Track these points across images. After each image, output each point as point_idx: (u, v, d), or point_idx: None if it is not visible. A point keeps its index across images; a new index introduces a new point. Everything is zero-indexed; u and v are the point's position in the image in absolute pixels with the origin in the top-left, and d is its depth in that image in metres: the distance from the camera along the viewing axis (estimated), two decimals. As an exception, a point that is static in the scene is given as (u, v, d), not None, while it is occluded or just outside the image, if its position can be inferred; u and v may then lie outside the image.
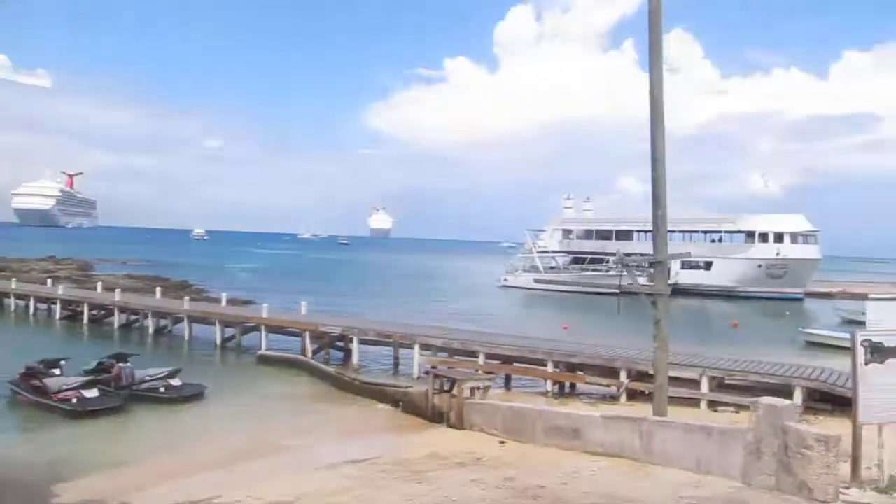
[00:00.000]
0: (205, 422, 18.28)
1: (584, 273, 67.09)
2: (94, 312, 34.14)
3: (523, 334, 26.08)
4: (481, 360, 22.63)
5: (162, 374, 20.11)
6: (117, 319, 32.54)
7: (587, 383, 21.36)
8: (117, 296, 32.51)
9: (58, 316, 34.81)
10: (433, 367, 20.15)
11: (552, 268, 72.64)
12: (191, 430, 17.63)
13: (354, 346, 25.32)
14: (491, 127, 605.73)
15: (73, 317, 35.03)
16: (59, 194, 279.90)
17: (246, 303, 38.58)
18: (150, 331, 31.26)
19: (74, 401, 18.38)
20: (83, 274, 58.53)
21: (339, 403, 20.24)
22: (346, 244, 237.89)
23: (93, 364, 20.87)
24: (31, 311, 36.36)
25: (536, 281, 68.31)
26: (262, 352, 26.47)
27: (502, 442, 15.29)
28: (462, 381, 16.89)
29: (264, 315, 27.53)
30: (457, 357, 23.77)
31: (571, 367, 21.70)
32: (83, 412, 18.01)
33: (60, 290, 34.79)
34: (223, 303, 31.92)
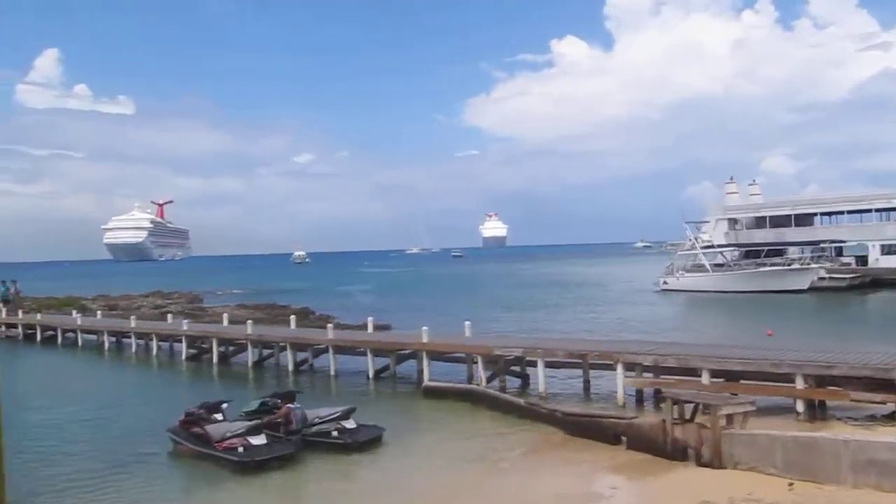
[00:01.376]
0: (393, 472, 17.04)
1: (760, 269, 63.30)
2: (222, 349, 34.03)
3: (719, 343, 23.97)
4: (705, 378, 20.54)
5: (334, 415, 19.07)
6: (251, 355, 32.19)
7: (853, 401, 18.92)
8: (249, 328, 32.18)
9: (183, 355, 34.94)
10: (658, 392, 18.36)
11: (719, 265, 69.12)
12: (379, 483, 16.43)
13: (539, 369, 23.70)
14: (609, 113, 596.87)
15: (198, 355, 35.15)
16: (151, 226, 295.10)
17: (382, 327, 37.88)
18: (290, 366, 30.70)
19: (241, 449, 17.57)
20: (195, 307, 59.93)
21: (542, 441, 18.66)
22: (461, 256, 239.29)
23: (255, 405, 20.17)
24: (154, 350, 36.75)
25: (704, 282, 65.21)
26: (428, 383, 25.26)
27: (790, 484, 13.30)
28: (717, 407, 14.98)
29: (424, 340, 26.35)
30: (665, 376, 21.97)
31: (821, 382, 19.35)
32: (251, 462, 17.18)
33: (185, 326, 34.91)
34: (370, 328, 31.06)
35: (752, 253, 68.77)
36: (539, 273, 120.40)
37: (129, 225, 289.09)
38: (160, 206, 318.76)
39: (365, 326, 36.53)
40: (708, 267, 67.54)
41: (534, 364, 24.80)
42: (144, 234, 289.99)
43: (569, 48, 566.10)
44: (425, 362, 26.40)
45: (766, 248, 67.34)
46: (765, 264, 64.42)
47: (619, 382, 22.02)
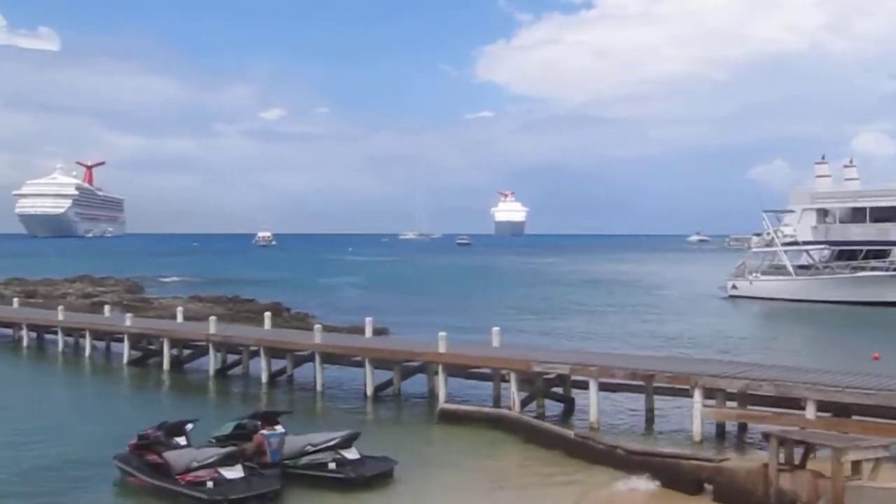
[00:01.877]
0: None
1: (858, 274, 62.76)
2: (175, 351, 33.66)
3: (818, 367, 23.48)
4: (810, 412, 20.03)
5: (332, 442, 18.58)
6: (213, 361, 31.74)
7: None
8: (212, 327, 31.69)
9: (125, 358, 34.49)
10: (743, 426, 17.86)
11: (804, 267, 68.61)
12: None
13: (591, 392, 23.18)
14: (658, 71, 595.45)
15: (144, 358, 34.76)
16: (76, 193, 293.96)
17: (379, 332, 37.36)
18: (263, 377, 30.24)
19: (211, 484, 17.08)
20: (135, 298, 59.47)
21: (599, 487, 18.15)
22: (467, 244, 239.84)
23: (229, 428, 19.69)
24: (87, 351, 36.31)
25: (785, 287, 64.78)
26: (445, 405, 24.78)
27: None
28: (843, 451, 14.48)
29: (441, 349, 25.85)
30: (753, 407, 21.54)
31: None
32: (223, 501, 16.70)
33: (128, 322, 34.40)
34: (368, 332, 30.58)
35: (846, 253, 68.23)
36: (570, 270, 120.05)
37: (49, 191, 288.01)
38: (89, 168, 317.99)
39: (359, 329, 36.16)
40: (790, 269, 66.96)
41: (583, 385, 24.30)
42: (68, 203, 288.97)
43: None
44: (441, 378, 25.92)
45: (865, 247, 66.78)
46: (863, 268, 63.81)
47: (696, 412, 21.51)
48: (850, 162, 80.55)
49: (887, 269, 62.70)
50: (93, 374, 34.98)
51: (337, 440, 18.69)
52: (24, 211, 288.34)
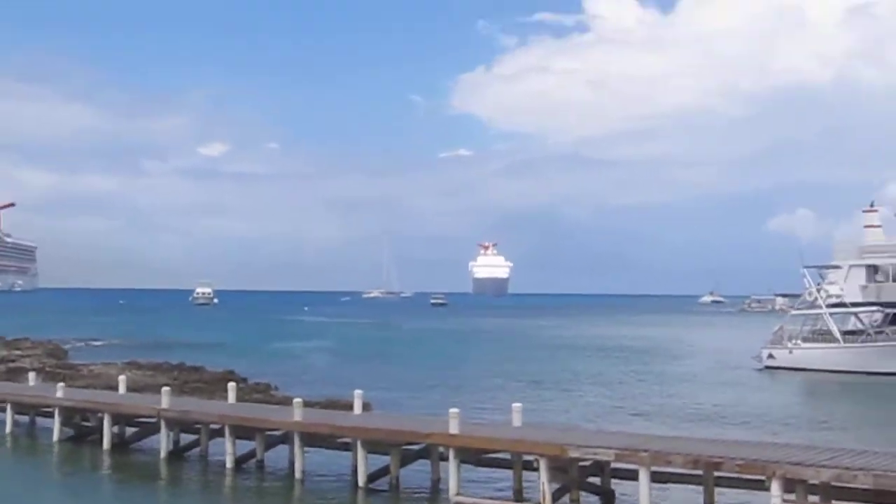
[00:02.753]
0: None
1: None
2: (117, 429, 32.49)
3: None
4: (915, 511, 19.15)
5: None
6: (165, 441, 30.53)
7: None
8: (164, 401, 30.50)
9: (55, 436, 33.28)
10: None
11: (853, 332, 68.13)
12: None
13: (642, 483, 22.14)
14: (666, 105, 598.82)
15: (79, 436, 33.63)
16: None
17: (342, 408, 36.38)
18: (228, 462, 29.04)
19: None
20: (60, 364, 58.13)
21: None
22: (443, 304, 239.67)
23: None
24: (8, 427, 35.05)
25: (832, 357, 64.22)
26: (460, 498, 23.67)
27: None
28: None
29: (452, 430, 24.77)
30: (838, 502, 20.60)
31: None
32: None
33: (59, 393, 33.15)
34: (357, 408, 29.52)
35: (901, 316, 67.88)
36: (569, 334, 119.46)
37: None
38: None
39: (336, 405, 35.22)
40: (837, 335, 66.46)
41: (629, 475, 23.34)
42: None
43: (610, 7, 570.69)
44: (452, 465, 24.78)
45: (927, 311, 66.55)
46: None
47: (775, 510, 20.53)
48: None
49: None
50: (15, 454, 33.68)
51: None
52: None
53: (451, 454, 24.92)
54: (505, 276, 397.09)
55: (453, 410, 25.43)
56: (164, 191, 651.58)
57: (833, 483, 20.60)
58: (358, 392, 29.94)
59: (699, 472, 22.83)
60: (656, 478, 23.19)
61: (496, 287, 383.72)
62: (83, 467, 31.42)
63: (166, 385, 36.71)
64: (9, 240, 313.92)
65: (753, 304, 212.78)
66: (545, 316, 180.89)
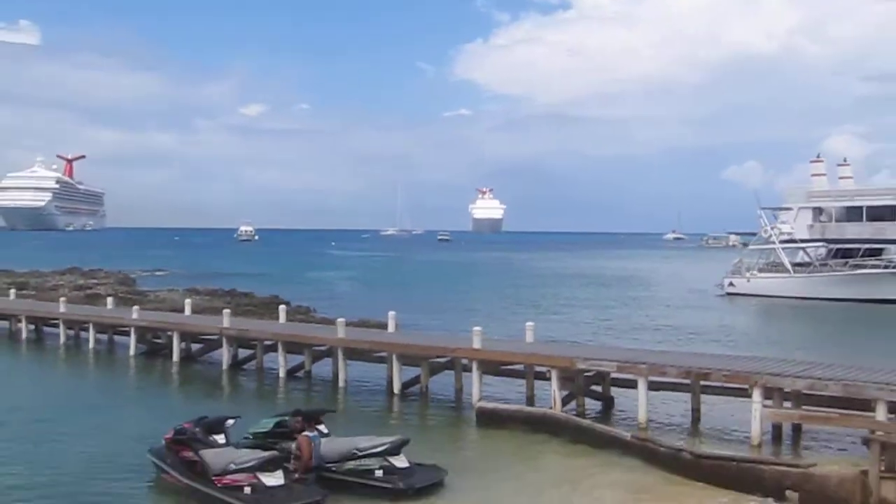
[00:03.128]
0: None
1: (860, 272, 61.81)
2: (184, 345, 32.06)
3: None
4: (881, 413, 18.64)
5: (380, 448, 16.93)
6: (226, 355, 30.12)
7: None
8: (226, 320, 30.08)
9: (131, 350, 32.89)
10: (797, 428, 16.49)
11: (802, 264, 67.59)
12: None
13: (640, 391, 21.72)
14: (636, 71, 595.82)
15: (151, 351, 33.24)
16: (57, 187, 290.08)
17: (381, 327, 35.96)
18: (281, 372, 28.68)
19: (248, 490, 15.43)
20: (130, 290, 57.69)
21: (671, 492, 16.70)
22: (447, 240, 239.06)
23: (268, 424, 18.02)
24: (91, 344, 34.59)
25: (784, 285, 63.83)
26: (483, 404, 23.18)
27: None
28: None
29: (476, 346, 24.31)
30: (807, 407, 20.20)
31: None
32: (264, 512, 15.09)
33: (135, 314, 32.76)
34: (391, 327, 29.05)
35: (842, 251, 67.22)
36: (557, 266, 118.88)
37: (30, 184, 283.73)
38: (69, 162, 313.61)
39: (367, 324, 34.89)
40: (788, 267, 65.94)
41: (627, 384, 22.97)
42: (48, 196, 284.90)
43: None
44: (475, 375, 24.35)
45: (862, 245, 65.84)
46: (861, 266, 62.83)
47: (756, 413, 20.04)
48: (845, 161, 79.82)
49: (885, 267, 61.84)
50: (97, 367, 33.34)
51: (386, 446, 17.02)
52: (4, 204, 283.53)
53: (475, 366, 24.52)
54: (499, 216, 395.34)
55: (476, 328, 24.96)
56: (212, 145, 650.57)
57: (805, 391, 20.21)
58: (392, 313, 29.50)
59: (688, 381, 22.46)
60: (650, 387, 22.80)
61: (492, 226, 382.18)
62: (155, 377, 31.05)
63: (223, 308, 36.45)
64: (81, 187, 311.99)
65: (710, 241, 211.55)
66: (535, 251, 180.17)
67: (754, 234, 76.21)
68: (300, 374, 28.96)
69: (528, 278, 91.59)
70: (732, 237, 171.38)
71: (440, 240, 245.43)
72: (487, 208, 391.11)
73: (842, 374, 20.15)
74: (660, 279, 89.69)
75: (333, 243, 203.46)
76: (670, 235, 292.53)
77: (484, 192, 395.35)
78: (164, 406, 25.47)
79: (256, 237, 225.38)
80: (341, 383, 27.30)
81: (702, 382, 22.31)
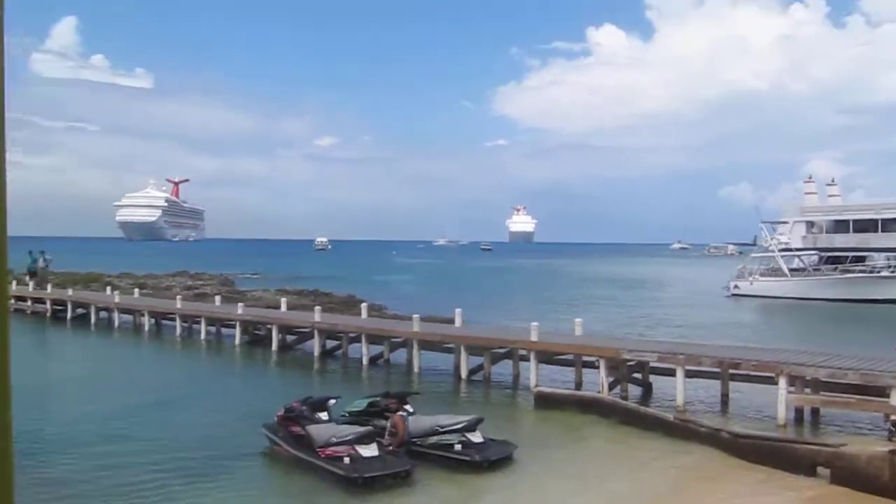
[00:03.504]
0: (541, 501, 14.44)
1: (847, 276, 60.38)
2: (281, 336, 31.73)
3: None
4: (895, 399, 17.80)
5: (458, 426, 16.43)
6: (317, 345, 29.76)
7: None
8: (317, 315, 29.74)
9: (237, 340, 32.66)
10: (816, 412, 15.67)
11: (797, 270, 66.10)
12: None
13: (678, 379, 21.00)
14: (644, 107, 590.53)
15: (253, 342, 32.94)
16: (165, 204, 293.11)
17: (449, 321, 35.35)
18: (364, 360, 28.24)
19: (347, 460, 15.02)
20: (231, 290, 57.52)
21: (713, 467, 15.97)
22: (489, 250, 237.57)
23: (361, 404, 17.63)
24: (202, 335, 34.42)
25: (782, 287, 62.42)
26: (541, 388, 22.55)
27: None
28: None
29: (533, 338, 23.71)
30: (826, 394, 19.37)
31: None
32: (359, 479, 14.63)
33: (240, 310, 32.52)
34: (457, 322, 28.49)
35: (831, 259, 65.71)
36: (584, 270, 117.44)
37: (144, 203, 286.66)
38: (176, 184, 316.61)
39: (433, 319, 34.36)
40: (786, 271, 64.52)
41: (666, 372, 22.27)
42: (159, 212, 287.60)
43: (606, 37, 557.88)
44: (533, 364, 23.74)
45: (849, 253, 64.34)
46: (850, 271, 61.39)
47: (782, 398, 19.25)
48: (833, 181, 77.92)
49: (870, 272, 60.49)
50: (208, 354, 33.11)
51: (464, 423, 16.55)
52: (123, 219, 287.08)
53: (532, 356, 23.92)
54: (531, 229, 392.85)
55: (534, 324, 24.42)
56: (292, 171, 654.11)
57: (824, 379, 19.41)
58: (458, 310, 28.96)
59: (718, 370, 21.69)
60: (692, 374, 22.12)
61: (525, 238, 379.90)
62: (257, 363, 30.80)
63: (309, 305, 36.16)
64: (185, 205, 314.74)
65: (712, 250, 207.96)
66: (562, 258, 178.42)
67: (749, 244, 75.15)
68: (380, 361, 28.54)
69: (558, 280, 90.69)
70: (731, 247, 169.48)
71: (483, 249, 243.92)
72: (521, 223, 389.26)
73: (857, 364, 19.33)
74: (671, 282, 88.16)
75: (394, 252, 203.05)
76: (676, 245, 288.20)
77: (518, 210, 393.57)
78: (267, 387, 25.30)
79: (330, 246, 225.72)
80: (415, 369, 26.87)
81: (730, 371, 21.58)
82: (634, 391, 23.43)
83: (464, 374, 25.49)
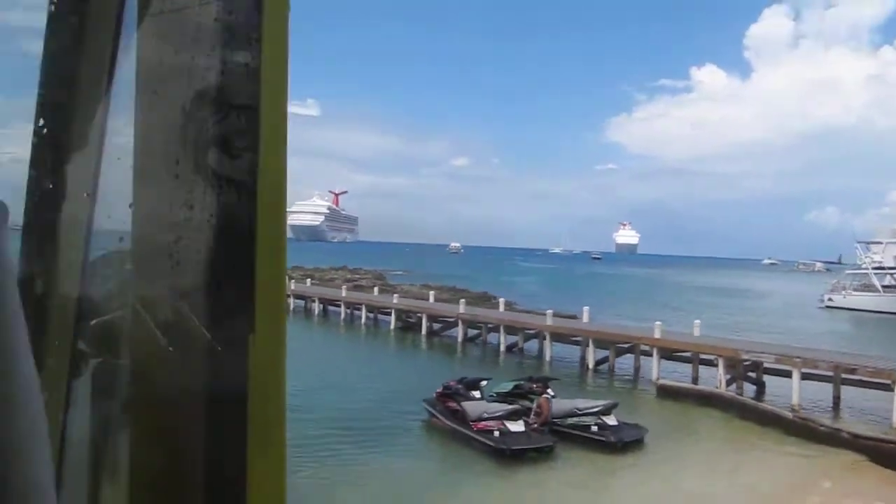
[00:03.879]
0: (677, 484, 13.49)
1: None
2: (429, 324, 31.57)
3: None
4: None
5: (595, 409, 15.71)
6: (461, 333, 29.43)
7: None
8: (462, 307, 29.45)
9: (392, 325, 32.76)
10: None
11: (889, 286, 61.31)
12: (667, 496, 12.95)
13: (794, 380, 19.47)
14: (741, 137, 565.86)
15: (405, 328, 32.89)
16: (327, 211, 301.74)
17: (571, 317, 34.29)
18: (501, 347, 27.70)
19: (497, 434, 14.55)
20: (382, 284, 58.14)
21: (849, 468, 14.54)
22: (599, 259, 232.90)
23: (508, 386, 17.16)
24: (363, 319, 34.71)
25: (874, 301, 58.03)
26: (663, 381, 21.43)
27: None
28: None
29: (656, 335, 22.58)
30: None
31: None
32: (507, 451, 14.09)
33: (395, 300, 32.64)
34: (584, 318, 27.59)
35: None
36: (687, 280, 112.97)
37: (310, 209, 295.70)
38: (336, 195, 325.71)
39: (559, 315, 33.46)
40: (879, 287, 59.94)
41: (776, 372, 20.72)
42: (322, 218, 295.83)
43: (708, 76, 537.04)
44: (655, 359, 22.59)
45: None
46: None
47: (897, 404, 17.51)
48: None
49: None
50: (366, 336, 33.35)
51: (600, 407, 15.84)
52: (293, 222, 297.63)
53: (655, 352, 22.77)
54: (636, 242, 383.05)
55: (657, 322, 23.33)
56: (432, 186, 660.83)
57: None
58: (586, 308, 28.16)
59: (831, 373, 19.96)
60: (806, 377, 20.48)
61: (630, 249, 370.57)
62: (408, 345, 30.77)
63: (448, 299, 35.93)
64: (343, 212, 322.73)
65: (801, 266, 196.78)
66: (664, 268, 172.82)
67: (835, 262, 70.48)
68: (515, 350, 27.93)
69: (664, 288, 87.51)
70: (818, 264, 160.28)
71: (593, 258, 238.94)
72: (627, 236, 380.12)
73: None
74: (767, 293, 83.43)
75: (517, 257, 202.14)
76: (767, 261, 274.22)
77: (624, 224, 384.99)
78: (419, 366, 25.25)
79: (462, 251, 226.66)
80: (547, 358, 26.11)
81: (843, 375, 19.82)
82: (748, 389, 21.87)
83: (591, 364, 24.58)
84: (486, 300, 47.82)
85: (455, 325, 30.04)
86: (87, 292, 1.11)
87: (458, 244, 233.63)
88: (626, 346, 24.63)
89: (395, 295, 34.13)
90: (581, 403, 16.00)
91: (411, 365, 25.81)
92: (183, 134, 0.84)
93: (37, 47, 1.14)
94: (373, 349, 30.20)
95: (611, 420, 15.62)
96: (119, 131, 1.05)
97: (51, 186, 1.14)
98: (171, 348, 0.81)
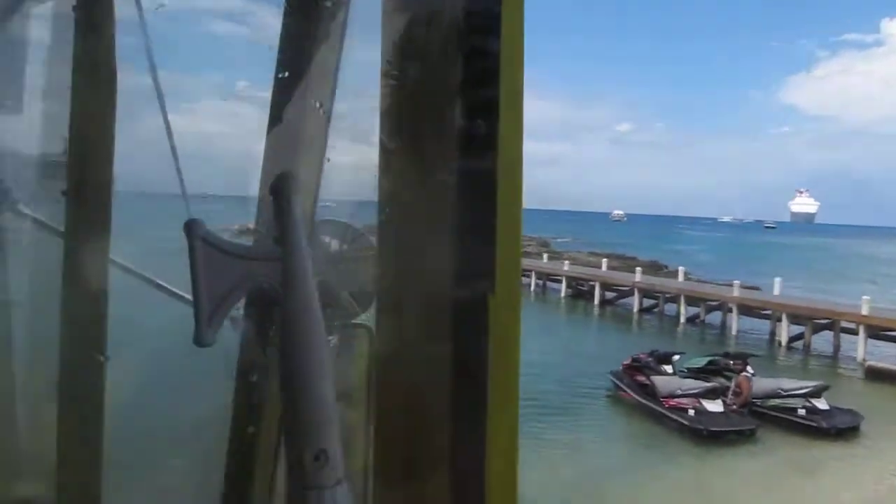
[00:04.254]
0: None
1: None
2: (601, 292, 30.48)
3: None
4: None
5: (803, 391, 14.20)
6: (637, 302, 28.14)
7: None
8: (638, 276, 28.14)
9: (562, 293, 31.93)
10: None
11: None
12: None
13: None
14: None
15: (576, 295, 31.95)
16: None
17: (751, 288, 31.79)
18: (681, 318, 26.17)
19: (692, 413, 13.45)
20: (547, 250, 57.28)
21: None
22: (773, 228, 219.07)
23: (701, 362, 15.99)
24: (532, 287, 34.13)
25: None
26: (873, 363, 19.27)
27: None
28: None
29: (863, 311, 20.30)
30: None
31: None
32: (704, 432, 12.95)
33: (566, 267, 31.80)
34: (776, 291, 25.48)
35: None
36: (873, 252, 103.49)
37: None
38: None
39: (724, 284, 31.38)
40: None
41: None
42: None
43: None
44: (861, 338, 20.39)
45: None
46: None
47: None
48: None
49: None
50: (537, 302, 32.65)
51: (809, 389, 14.30)
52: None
53: (861, 329, 20.53)
54: (813, 211, 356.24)
55: (865, 297, 20.99)
56: (593, 152, 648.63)
57: None
58: (777, 279, 26.01)
59: None
60: None
61: (807, 218, 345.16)
62: (580, 313, 30.00)
63: (616, 267, 34.54)
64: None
65: None
66: (846, 238, 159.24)
67: None
68: (696, 322, 26.30)
69: (849, 260, 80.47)
70: None
71: (766, 227, 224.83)
72: (804, 204, 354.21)
73: None
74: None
75: (681, 226, 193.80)
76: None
77: (801, 192, 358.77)
78: (594, 336, 24.52)
79: (626, 219, 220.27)
80: (733, 331, 24.40)
81: None
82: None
83: (784, 340, 22.61)
84: (657, 269, 45.76)
85: (628, 294, 28.72)
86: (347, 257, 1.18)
87: (621, 212, 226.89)
88: (823, 322, 22.37)
89: (566, 262, 33.07)
90: (786, 384, 14.54)
91: (586, 334, 25.07)
92: (425, 100, 0.89)
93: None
94: (545, 317, 29.39)
95: (821, 404, 14.07)
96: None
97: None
98: (415, 307, 0.88)
